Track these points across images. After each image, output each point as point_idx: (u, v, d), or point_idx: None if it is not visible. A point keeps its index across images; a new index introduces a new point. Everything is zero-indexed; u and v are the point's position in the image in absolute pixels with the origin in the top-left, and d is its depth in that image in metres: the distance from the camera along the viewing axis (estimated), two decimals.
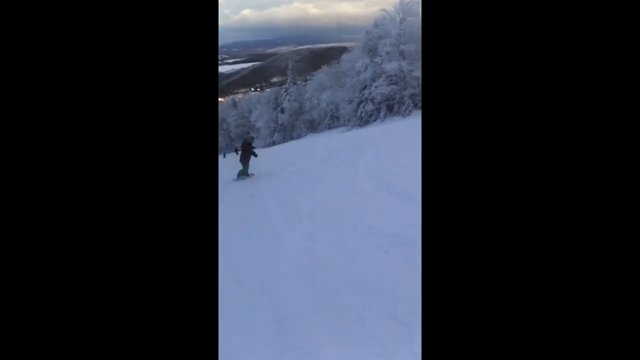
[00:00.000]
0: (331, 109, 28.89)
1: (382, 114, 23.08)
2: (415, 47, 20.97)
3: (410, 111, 21.55)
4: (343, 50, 32.11)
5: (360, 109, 24.00)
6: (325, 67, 31.77)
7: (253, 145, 7.52)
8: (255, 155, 7.37)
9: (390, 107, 23.09)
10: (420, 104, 21.60)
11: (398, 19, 22.13)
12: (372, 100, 23.34)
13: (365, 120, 23.84)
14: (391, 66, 21.45)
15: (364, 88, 23.59)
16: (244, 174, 7.30)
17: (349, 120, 25.66)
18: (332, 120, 29.13)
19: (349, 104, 25.44)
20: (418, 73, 20.96)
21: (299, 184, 6.15)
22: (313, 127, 31.20)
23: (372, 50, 23.73)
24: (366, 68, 23.26)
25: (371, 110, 23.60)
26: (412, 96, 21.90)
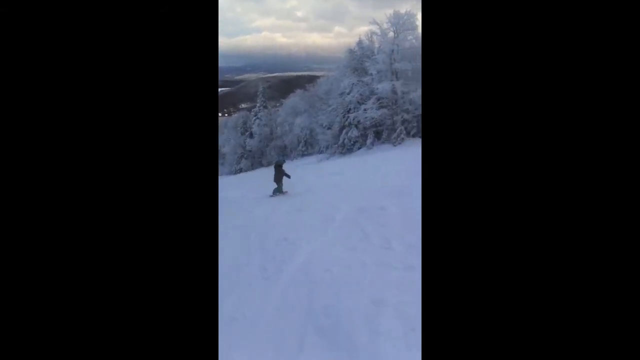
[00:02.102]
0: (305, 135, 25.94)
1: (368, 141, 19.96)
2: (410, 65, 17.91)
3: (403, 139, 18.50)
4: (313, 78, 29.87)
5: (343, 135, 20.81)
6: (299, 91, 29.04)
7: (283, 166, 7.93)
8: (289, 177, 7.68)
9: (379, 134, 20.05)
10: (412, 132, 18.74)
11: (391, 34, 19.10)
12: (356, 126, 20.28)
13: (348, 148, 20.64)
14: (383, 87, 18.40)
15: (349, 111, 20.48)
16: (278, 191, 7.67)
17: (327, 148, 22.44)
18: (306, 147, 26.10)
19: (329, 129, 22.27)
20: (414, 95, 17.98)
21: None
22: (284, 154, 27.92)
23: (357, 70, 20.94)
24: (351, 89, 20.26)
25: (356, 137, 20.47)
26: (404, 122, 18.83)
